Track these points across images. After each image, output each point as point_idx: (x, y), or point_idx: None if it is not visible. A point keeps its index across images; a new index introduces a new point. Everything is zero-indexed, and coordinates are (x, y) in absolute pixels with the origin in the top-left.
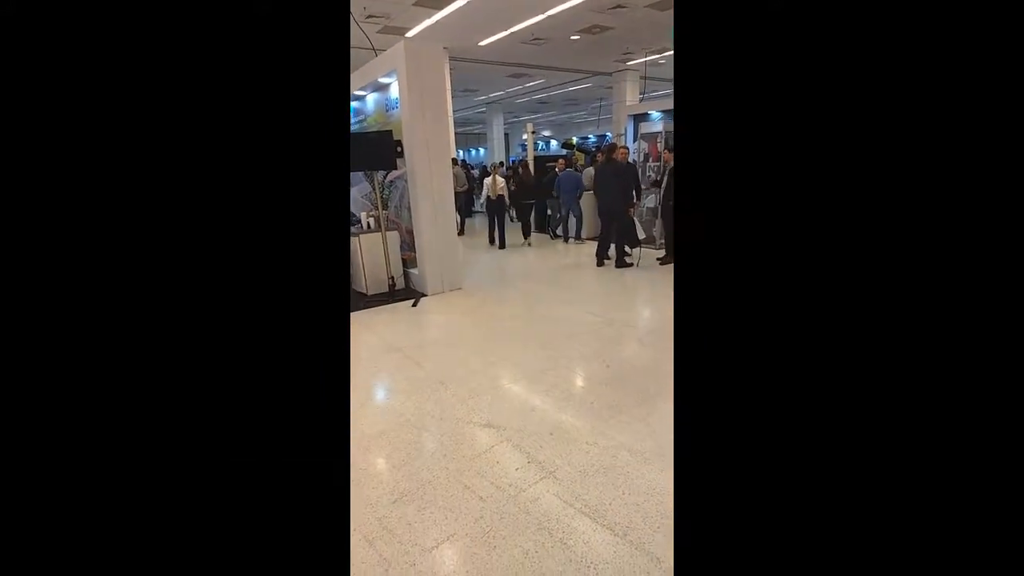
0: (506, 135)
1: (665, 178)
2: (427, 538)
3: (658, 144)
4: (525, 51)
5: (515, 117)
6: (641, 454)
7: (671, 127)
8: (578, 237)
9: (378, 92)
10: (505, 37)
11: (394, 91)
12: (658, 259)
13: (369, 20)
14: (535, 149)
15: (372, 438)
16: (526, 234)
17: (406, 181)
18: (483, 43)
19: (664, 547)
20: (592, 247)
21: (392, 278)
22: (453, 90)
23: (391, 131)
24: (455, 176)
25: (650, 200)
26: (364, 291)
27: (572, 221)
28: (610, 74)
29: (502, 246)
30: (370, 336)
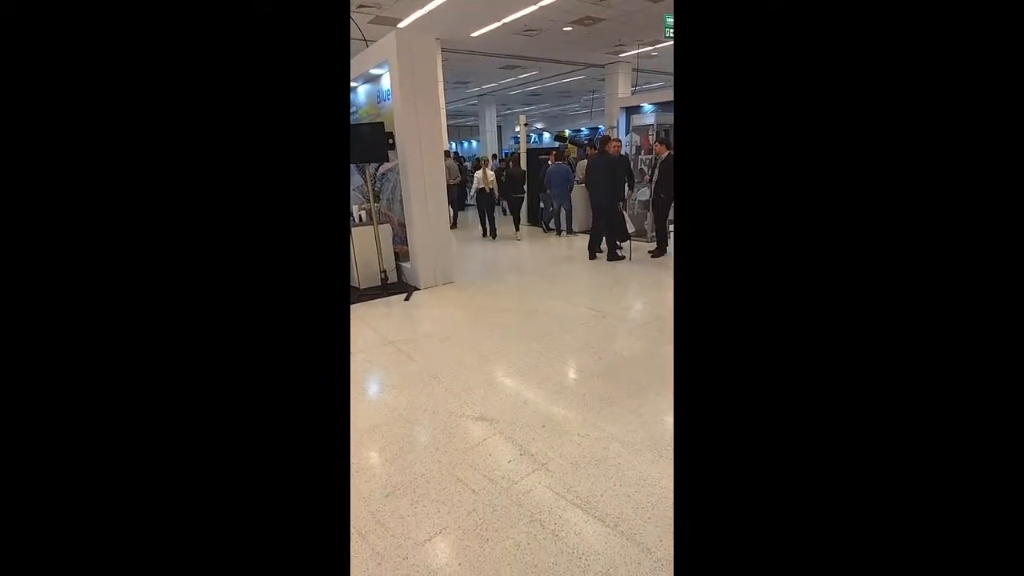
0: (499, 127)
1: (656, 171)
2: (420, 531)
3: (650, 137)
4: (517, 42)
5: (508, 109)
6: (632, 445)
7: (663, 120)
8: (570, 230)
9: (369, 83)
10: (497, 28)
11: (386, 82)
12: (650, 252)
13: (361, 10)
14: (528, 141)
15: (365, 432)
16: (516, 227)
17: (398, 174)
18: (475, 34)
19: (655, 537)
20: (584, 240)
21: (385, 272)
22: (445, 82)
23: (383, 123)
24: (448, 169)
25: (642, 193)
26: (357, 285)
27: (563, 214)
28: (603, 66)
29: (494, 236)
30: (363, 330)
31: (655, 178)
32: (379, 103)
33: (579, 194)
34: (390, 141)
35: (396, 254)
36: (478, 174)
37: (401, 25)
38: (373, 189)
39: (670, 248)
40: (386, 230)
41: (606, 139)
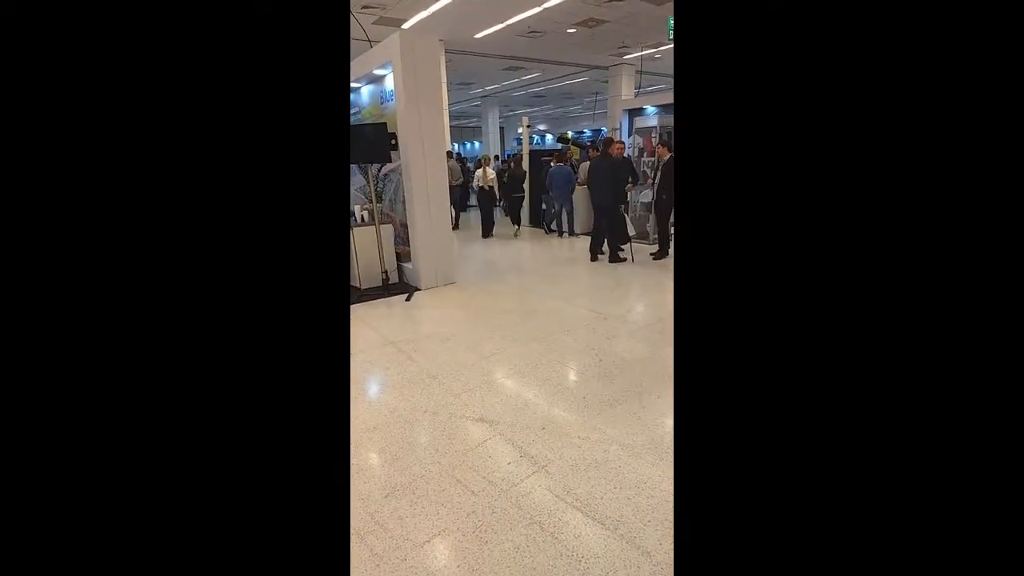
0: (501, 129)
1: (658, 173)
2: (419, 533)
3: (652, 139)
4: (521, 44)
5: (511, 111)
6: (632, 448)
7: (665, 122)
8: (571, 232)
9: (373, 84)
10: (501, 30)
11: (389, 83)
12: (652, 254)
13: (365, 11)
14: (531, 143)
15: (364, 432)
16: (517, 225)
17: (400, 174)
18: (479, 35)
19: (654, 541)
20: (586, 242)
21: (386, 272)
22: (449, 83)
23: (386, 123)
24: (450, 169)
25: (644, 195)
26: (358, 285)
27: (565, 216)
28: (606, 68)
29: (488, 234)
30: (364, 330)
31: (657, 180)
32: (382, 104)
33: (581, 196)
34: (393, 142)
35: (398, 254)
36: (478, 172)
37: (405, 26)
38: (375, 189)
39: (672, 250)
40: (388, 230)
41: (609, 141)
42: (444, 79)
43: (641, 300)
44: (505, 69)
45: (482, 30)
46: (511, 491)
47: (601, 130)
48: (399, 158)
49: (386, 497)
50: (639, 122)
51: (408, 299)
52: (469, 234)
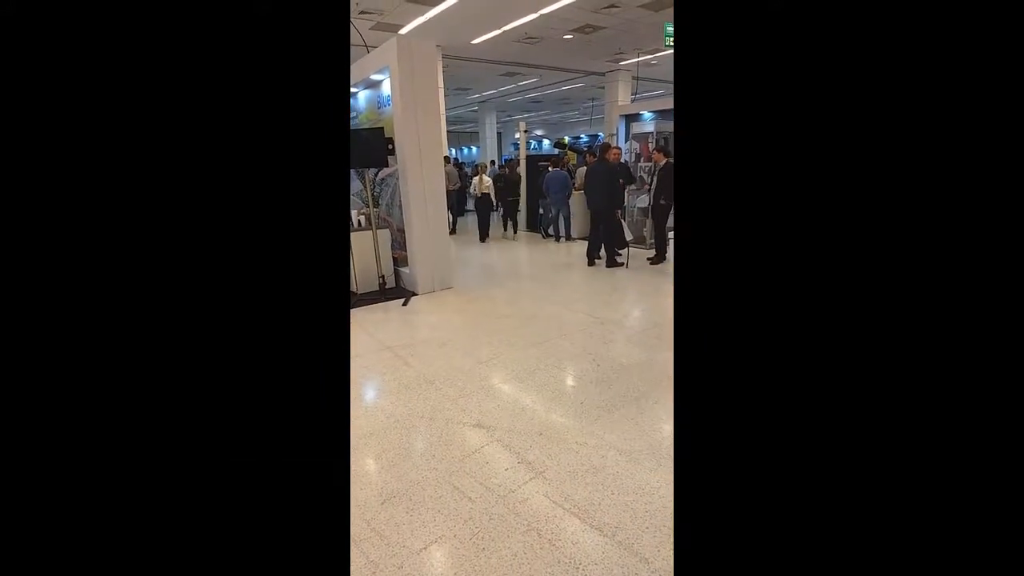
0: (499, 134)
1: (654, 178)
2: (415, 540)
3: (649, 144)
4: (518, 50)
5: (508, 116)
6: (630, 453)
7: (662, 127)
8: (568, 236)
9: (370, 89)
10: (498, 35)
11: (386, 88)
12: (648, 259)
13: (362, 16)
14: (528, 148)
15: (361, 438)
16: (508, 228)
17: (397, 179)
18: (476, 41)
19: (652, 547)
20: (583, 246)
21: (383, 277)
22: (446, 88)
23: (383, 128)
24: (447, 174)
25: (641, 200)
26: (355, 289)
27: (562, 220)
28: (603, 74)
29: (484, 238)
30: (360, 335)
31: (654, 185)
32: (379, 109)
33: (578, 201)
34: (390, 146)
35: (395, 259)
36: (475, 179)
37: (402, 32)
38: (372, 194)
39: (669, 255)
40: (385, 235)
41: (606, 146)
42: (441, 84)
43: (638, 305)
44: (502, 74)
45: (479, 36)
46: (508, 497)
47: (598, 135)
48: (396, 163)
49: (382, 503)
50: (636, 127)
51: (405, 304)
52: (466, 239)
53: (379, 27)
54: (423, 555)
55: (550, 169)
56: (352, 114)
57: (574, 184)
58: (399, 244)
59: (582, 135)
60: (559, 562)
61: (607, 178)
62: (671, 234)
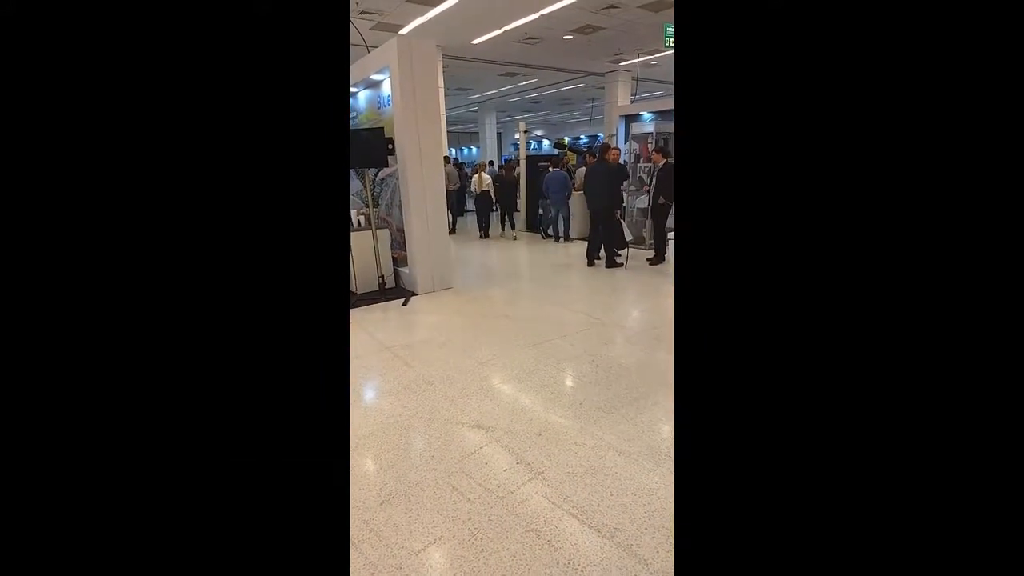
0: (499, 134)
1: (654, 179)
2: (414, 541)
3: (648, 145)
4: (518, 50)
5: (508, 116)
6: (629, 454)
7: (661, 128)
8: (568, 237)
9: (370, 89)
10: (498, 36)
11: (386, 88)
12: (648, 260)
13: (362, 16)
14: (528, 149)
15: (360, 439)
16: (505, 227)
17: (397, 179)
18: (476, 41)
19: (651, 548)
20: (582, 247)
21: (383, 277)
22: (446, 88)
23: (383, 128)
24: (447, 174)
25: (640, 201)
26: (354, 289)
27: (561, 221)
28: (602, 74)
29: (485, 236)
30: (360, 335)
31: (653, 186)
32: (379, 108)
33: (577, 201)
34: (390, 146)
35: (394, 259)
36: (475, 178)
37: (402, 32)
38: (372, 194)
39: (668, 256)
40: (384, 235)
41: (605, 147)
42: (441, 84)
43: (637, 305)
44: (502, 75)
45: (479, 36)
46: (507, 498)
47: (598, 136)
48: (396, 163)
49: (381, 504)
50: (635, 128)
51: (404, 304)
52: (466, 239)
53: (379, 27)
54: (422, 556)
55: (550, 169)
56: (352, 114)
57: (574, 184)
58: (399, 244)
59: (582, 136)
60: (558, 563)
61: (607, 179)
62: (671, 234)
